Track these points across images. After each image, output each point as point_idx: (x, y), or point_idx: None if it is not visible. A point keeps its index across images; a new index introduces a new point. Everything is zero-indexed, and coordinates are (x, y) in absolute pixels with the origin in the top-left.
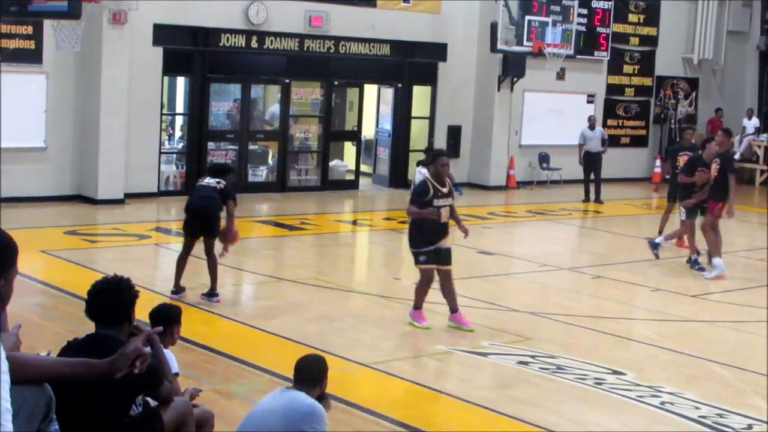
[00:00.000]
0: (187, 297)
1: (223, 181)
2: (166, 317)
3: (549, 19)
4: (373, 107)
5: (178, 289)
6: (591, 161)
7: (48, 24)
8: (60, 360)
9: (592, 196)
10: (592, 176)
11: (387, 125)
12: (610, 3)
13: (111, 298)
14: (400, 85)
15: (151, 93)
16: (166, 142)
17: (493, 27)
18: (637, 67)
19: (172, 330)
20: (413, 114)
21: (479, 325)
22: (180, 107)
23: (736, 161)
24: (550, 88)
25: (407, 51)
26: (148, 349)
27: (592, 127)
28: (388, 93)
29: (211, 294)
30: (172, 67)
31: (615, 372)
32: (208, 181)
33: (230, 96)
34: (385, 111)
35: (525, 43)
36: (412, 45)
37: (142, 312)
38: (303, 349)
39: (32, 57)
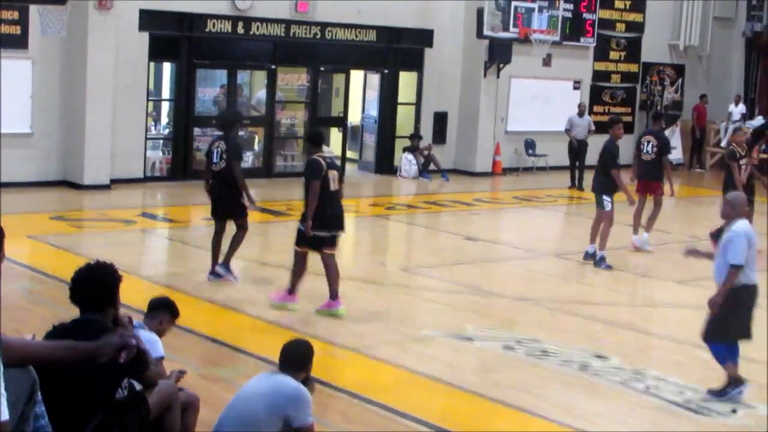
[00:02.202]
0: (174, 281)
1: (224, 145)
2: (156, 304)
3: (535, 5)
4: (359, 93)
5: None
6: (576, 149)
7: (34, 9)
8: (45, 343)
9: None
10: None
11: (373, 111)
12: None
13: (94, 284)
14: (386, 71)
15: (137, 79)
16: (152, 128)
17: (480, 13)
18: (623, 53)
19: (160, 318)
20: (399, 100)
21: (465, 310)
22: (166, 93)
23: (722, 148)
24: (537, 74)
25: (393, 37)
26: (133, 341)
27: (581, 114)
28: (375, 79)
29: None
30: (158, 52)
31: (600, 357)
32: (216, 153)
33: (216, 82)
34: (371, 97)
35: (511, 29)
36: (398, 31)
37: (127, 297)
38: (289, 334)
39: (18, 42)
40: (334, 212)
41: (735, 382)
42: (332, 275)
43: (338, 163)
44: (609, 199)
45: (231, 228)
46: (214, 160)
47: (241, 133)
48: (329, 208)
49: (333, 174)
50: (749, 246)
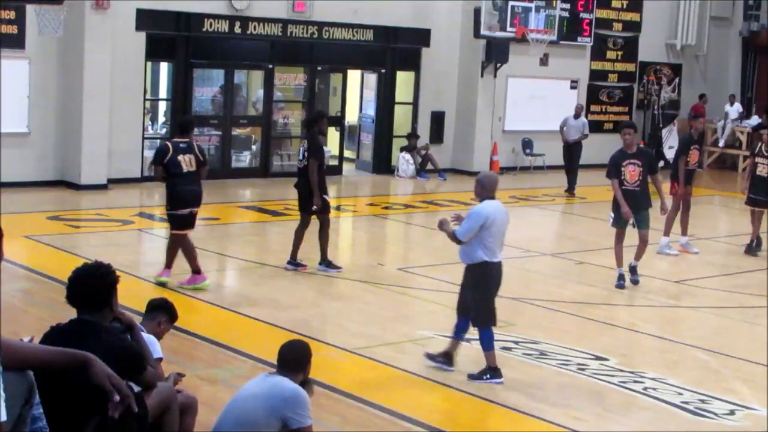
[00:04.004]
0: (172, 282)
1: (306, 144)
2: (155, 305)
3: (532, 5)
4: (356, 93)
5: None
6: (569, 150)
7: (31, 9)
8: (42, 347)
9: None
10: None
11: (370, 111)
12: None
13: (91, 284)
14: (383, 71)
15: (134, 78)
16: (149, 128)
17: (477, 12)
18: (620, 52)
19: (158, 319)
20: (397, 99)
21: None
22: (163, 93)
23: (719, 147)
24: (534, 73)
25: (390, 36)
26: (127, 401)
27: (577, 116)
28: (372, 78)
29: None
30: (155, 52)
31: (598, 358)
32: (300, 151)
33: (213, 82)
34: (368, 96)
35: (508, 28)
36: (395, 30)
37: (125, 297)
38: (286, 335)
39: (15, 42)
40: (188, 190)
41: (493, 371)
42: (190, 252)
43: (197, 147)
44: (612, 214)
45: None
46: (300, 158)
47: (236, 132)
48: (181, 187)
49: (183, 158)
50: (491, 226)
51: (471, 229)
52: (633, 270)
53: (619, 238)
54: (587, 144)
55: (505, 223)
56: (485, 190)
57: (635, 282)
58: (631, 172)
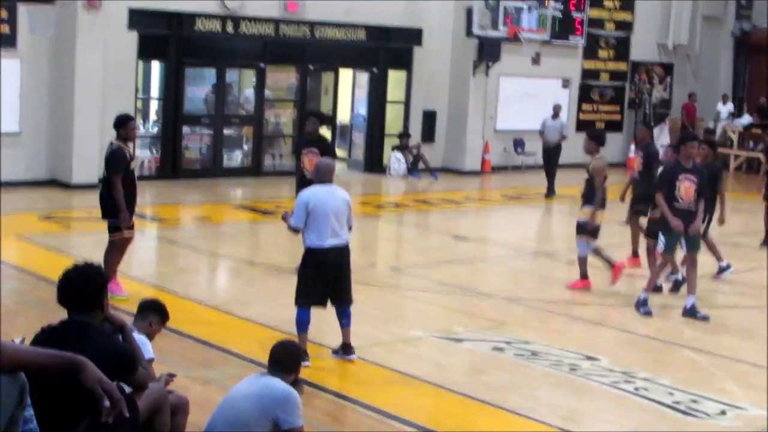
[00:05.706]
0: (163, 282)
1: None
2: (146, 306)
3: (524, 4)
4: (348, 92)
5: None
6: (547, 153)
7: (22, 8)
8: (34, 350)
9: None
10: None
11: (362, 110)
12: None
13: (81, 285)
14: (375, 70)
15: (126, 78)
16: (141, 127)
17: (469, 12)
18: (612, 52)
19: (150, 320)
20: (389, 99)
21: (454, 310)
22: (155, 92)
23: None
24: (526, 73)
25: (382, 36)
26: (118, 406)
27: (555, 116)
28: (364, 78)
29: None
30: (147, 51)
31: (589, 358)
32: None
33: (205, 81)
34: (360, 96)
35: (500, 28)
36: (387, 30)
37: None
38: (278, 335)
39: (7, 41)
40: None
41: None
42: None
43: (108, 151)
44: (662, 237)
45: None
46: None
47: (229, 131)
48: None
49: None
50: (313, 210)
51: (298, 216)
52: (693, 309)
53: (664, 265)
54: (580, 144)
55: (332, 206)
56: (318, 175)
57: (704, 318)
58: (687, 188)
